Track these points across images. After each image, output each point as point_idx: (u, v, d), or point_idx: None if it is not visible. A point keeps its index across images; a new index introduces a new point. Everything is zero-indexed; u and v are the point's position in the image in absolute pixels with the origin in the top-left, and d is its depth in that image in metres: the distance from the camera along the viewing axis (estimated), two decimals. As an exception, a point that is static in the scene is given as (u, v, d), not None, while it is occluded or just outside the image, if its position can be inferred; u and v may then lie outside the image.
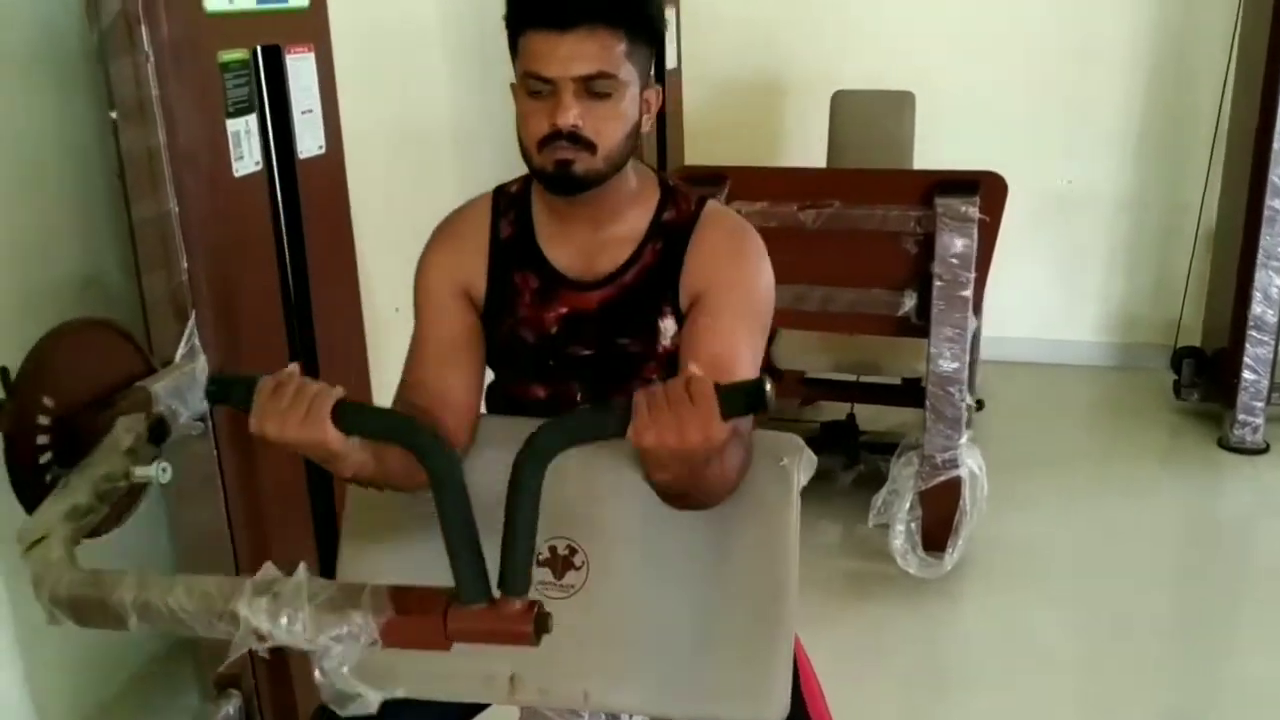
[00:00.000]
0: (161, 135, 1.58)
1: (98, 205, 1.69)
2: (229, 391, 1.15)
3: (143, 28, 1.54)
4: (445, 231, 1.46)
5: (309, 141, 1.93)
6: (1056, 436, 3.73)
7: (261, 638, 1.12)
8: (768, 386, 1.05)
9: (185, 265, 1.64)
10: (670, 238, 1.40)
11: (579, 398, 1.44)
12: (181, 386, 1.63)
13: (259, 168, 1.79)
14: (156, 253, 1.64)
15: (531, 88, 1.29)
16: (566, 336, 1.41)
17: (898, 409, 3.36)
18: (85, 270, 1.72)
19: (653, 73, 1.40)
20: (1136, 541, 3.05)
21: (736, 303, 1.36)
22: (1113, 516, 3.16)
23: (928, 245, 2.52)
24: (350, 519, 1.44)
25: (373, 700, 1.20)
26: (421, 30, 2.87)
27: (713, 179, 2.68)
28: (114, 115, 1.57)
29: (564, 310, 1.40)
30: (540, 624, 1.09)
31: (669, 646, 1.32)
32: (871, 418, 3.40)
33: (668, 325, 1.38)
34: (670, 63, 3.37)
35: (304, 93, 1.90)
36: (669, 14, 3.33)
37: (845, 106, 3.36)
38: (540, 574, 1.35)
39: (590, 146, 1.29)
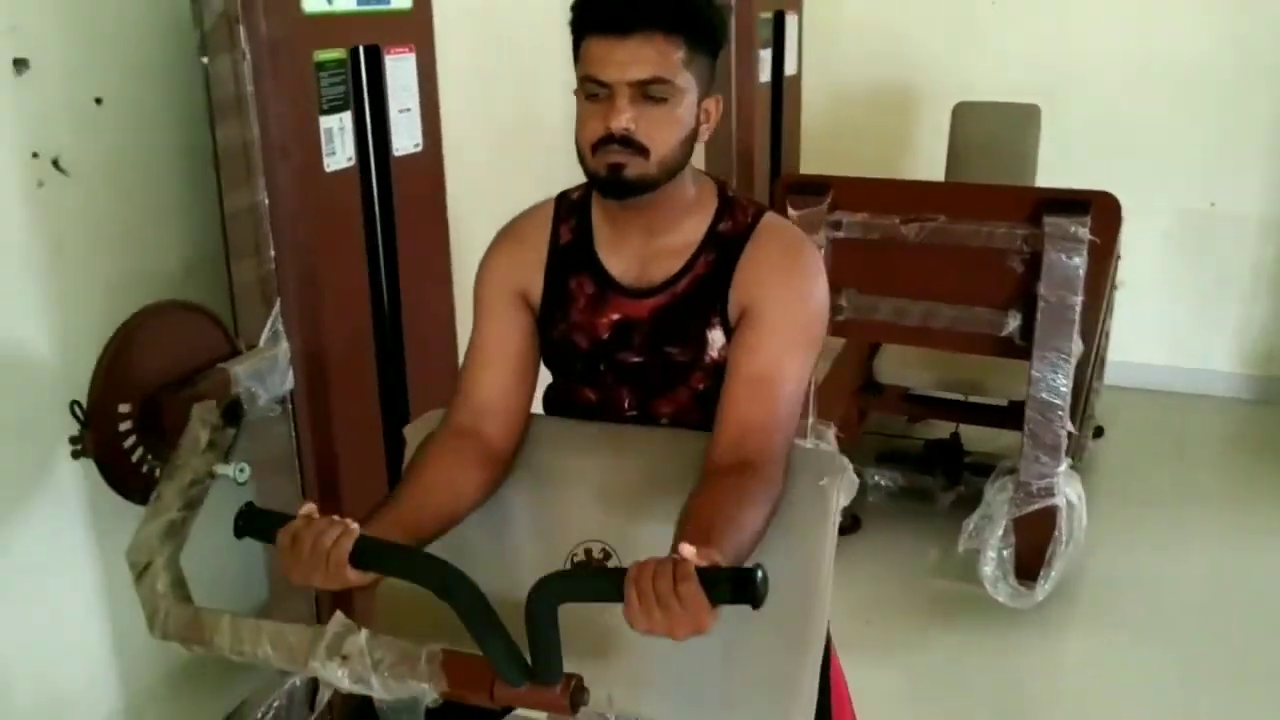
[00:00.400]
0: (255, 130, 1.66)
1: (197, 194, 1.78)
2: (254, 525, 1.20)
3: (241, 27, 1.62)
4: (507, 235, 1.49)
5: (405, 139, 2.00)
6: (1181, 471, 3.54)
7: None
8: (759, 576, 1.03)
9: (273, 254, 1.72)
10: (724, 249, 1.39)
11: (626, 404, 1.45)
12: (262, 370, 1.71)
13: (352, 163, 1.86)
14: (246, 241, 1.72)
15: (589, 91, 1.31)
16: (617, 343, 1.42)
17: (1006, 432, 3.25)
18: (184, 256, 1.81)
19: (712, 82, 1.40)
20: (1264, 590, 2.87)
21: (784, 319, 1.35)
22: (1237, 560, 2.98)
23: (1034, 265, 2.44)
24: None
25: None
26: (538, 30, 2.93)
27: (816, 188, 2.65)
28: (209, 106, 1.66)
29: (616, 316, 1.41)
30: (575, 699, 1.12)
31: (694, 658, 1.31)
32: (979, 439, 3.30)
33: (715, 336, 1.38)
34: (790, 69, 3.35)
35: (402, 91, 1.97)
36: (791, 20, 3.31)
37: (967, 118, 3.27)
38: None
39: (643, 151, 1.30)
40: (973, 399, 3.19)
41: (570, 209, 1.47)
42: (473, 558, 1.39)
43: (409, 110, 1.99)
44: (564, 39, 1.37)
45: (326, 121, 1.78)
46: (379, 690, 1.16)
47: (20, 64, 1.58)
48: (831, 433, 2.78)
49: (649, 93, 1.29)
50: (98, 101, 1.70)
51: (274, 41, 1.66)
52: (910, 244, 2.53)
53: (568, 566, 1.38)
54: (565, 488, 1.41)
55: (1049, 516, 2.52)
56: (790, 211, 2.62)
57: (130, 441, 1.56)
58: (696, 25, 1.31)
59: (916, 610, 2.76)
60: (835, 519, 1.33)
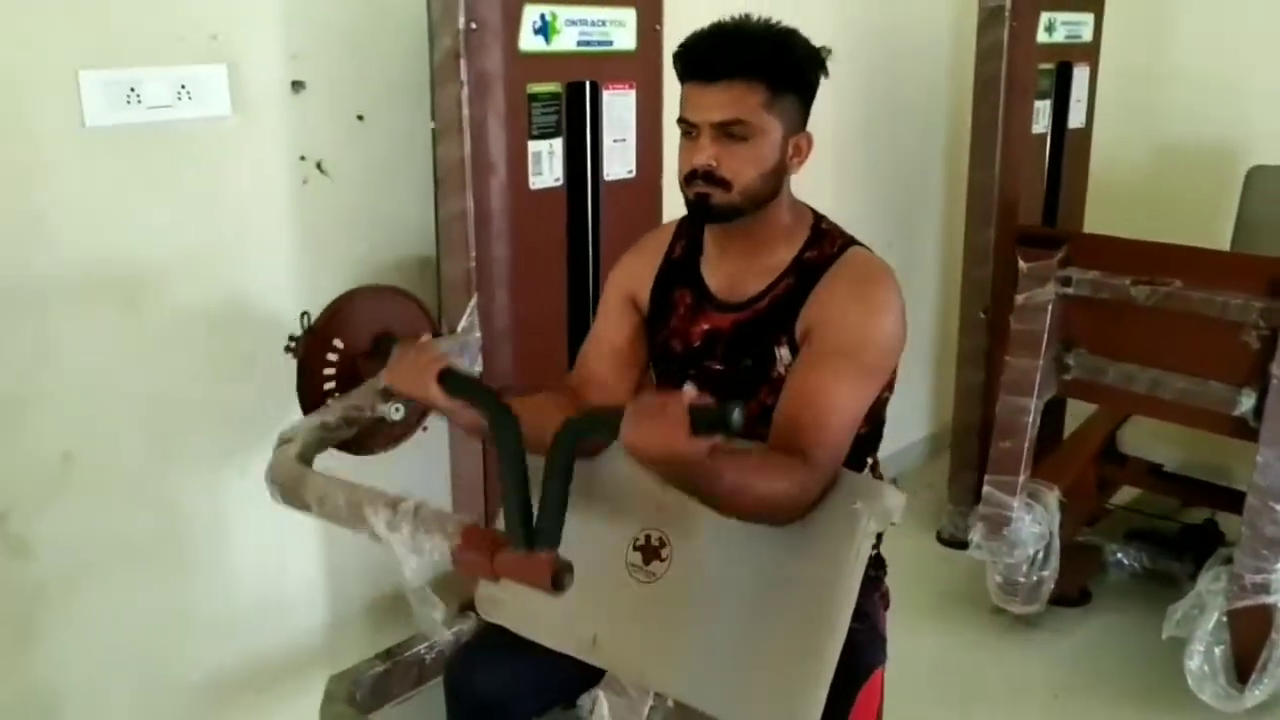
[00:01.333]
0: (468, 149, 1.96)
1: (423, 201, 2.11)
2: (381, 349, 1.48)
3: (462, 62, 1.92)
4: (635, 246, 1.68)
5: (617, 166, 2.23)
6: None
7: (377, 537, 1.43)
8: (735, 413, 1.15)
9: (474, 254, 2.01)
10: (805, 274, 1.50)
11: None
12: (452, 352, 2.00)
13: (559, 183, 2.12)
14: (455, 242, 2.02)
15: (683, 130, 1.48)
16: (705, 350, 1.56)
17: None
18: (409, 250, 2.16)
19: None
20: None
21: (841, 344, 1.43)
22: None
23: (1272, 341, 2.25)
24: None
25: (438, 617, 1.46)
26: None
27: (1052, 241, 2.59)
28: (433, 127, 1.98)
29: (707, 326, 1.56)
30: (557, 577, 1.26)
31: (720, 649, 1.44)
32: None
33: (783, 353, 1.49)
34: (1075, 122, 3.24)
35: (617, 123, 2.21)
36: (1080, 72, 3.22)
37: (1262, 183, 3.01)
38: (633, 557, 1.53)
39: (725, 184, 1.45)
40: (1229, 484, 2.93)
41: (688, 229, 1.63)
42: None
43: (624, 140, 2.23)
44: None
45: (535, 145, 2.05)
46: (407, 540, 1.35)
47: (298, 85, 1.99)
48: (1054, 495, 2.69)
49: (730, 132, 1.43)
50: (359, 118, 2.08)
51: (490, 75, 1.95)
52: (1142, 307, 2.42)
53: (632, 549, 1.54)
54: (639, 479, 1.57)
55: (1264, 615, 2.30)
56: (1020, 263, 2.59)
57: (329, 370, 1.90)
58: (778, 72, 1.44)
59: (1111, 694, 2.60)
60: (864, 542, 1.39)
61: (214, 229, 1.93)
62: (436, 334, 2.03)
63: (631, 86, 2.22)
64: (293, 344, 1.87)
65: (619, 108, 2.21)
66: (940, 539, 3.31)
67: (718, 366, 1.55)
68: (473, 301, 2.03)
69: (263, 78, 1.94)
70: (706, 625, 1.45)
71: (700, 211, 1.48)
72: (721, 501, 1.32)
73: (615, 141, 2.22)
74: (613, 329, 1.64)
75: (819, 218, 1.57)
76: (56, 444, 1.80)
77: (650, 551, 1.52)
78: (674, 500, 1.51)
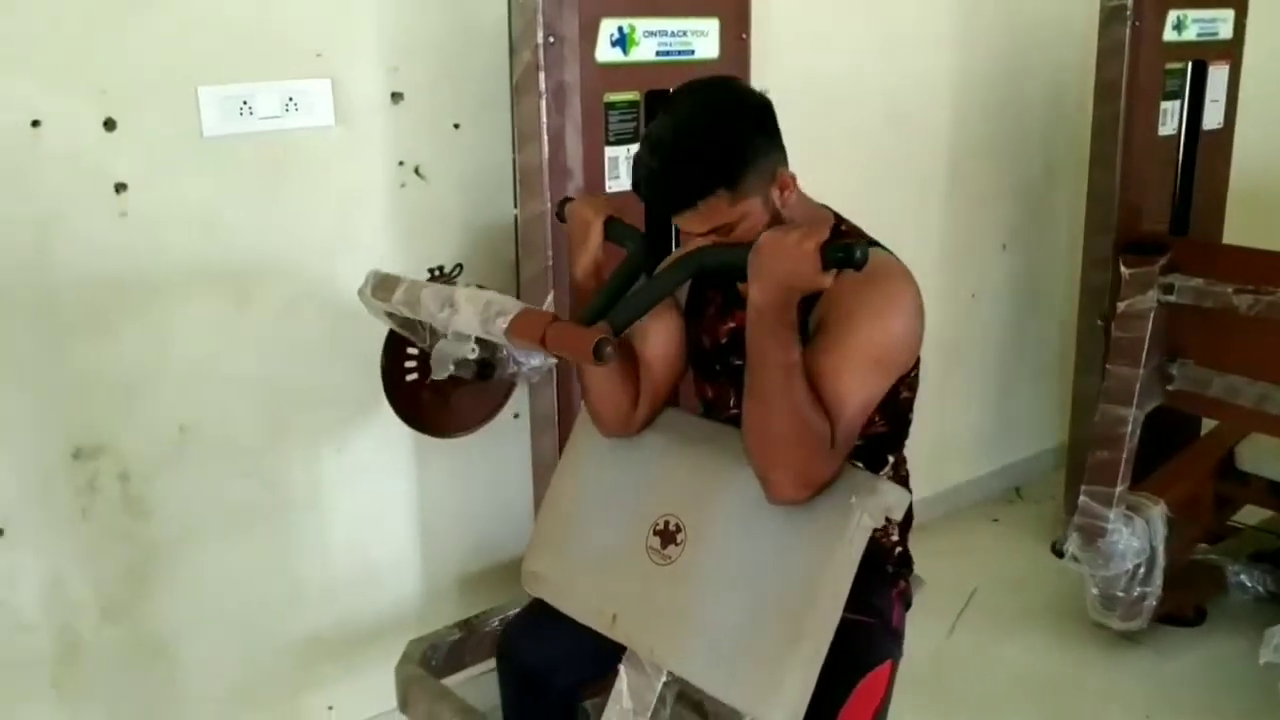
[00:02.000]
0: (545, 155, 2.09)
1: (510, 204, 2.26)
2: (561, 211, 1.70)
3: (541, 74, 2.05)
4: (680, 248, 1.77)
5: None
6: None
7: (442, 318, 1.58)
8: (859, 252, 1.32)
9: (550, 254, 2.14)
10: None
11: (731, 402, 1.66)
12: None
13: (636, 187, 2.23)
14: (534, 243, 2.16)
15: None
16: (730, 347, 1.64)
17: None
18: (500, 252, 2.31)
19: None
20: None
21: (849, 332, 1.46)
22: None
23: (1382, 357, 2.13)
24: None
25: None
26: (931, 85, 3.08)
27: (1156, 247, 2.51)
28: (512, 138, 2.13)
29: (733, 325, 1.63)
30: (599, 347, 1.35)
31: (719, 630, 1.50)
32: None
33: None
34: (1212, 123, 3.10)
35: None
36: (1217, 71, 3.08)
37: None
38: (653, 541, 1.62)
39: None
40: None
41: None
42: (583, 501, 1.72)
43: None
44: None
45: (612, 151, 2.16)
46: (468, 318, 1.51)
47: (397, 96, 2.17)
48: (1157, 509, 2.61)
49: (717, 232, 1.49)
50: (455, 126, 2.25)
51: (568, 85, 2.07)
52: (1248, 317, 2.32)
53: (652, 534, 1.63)
54: (665, 466, 1.66)
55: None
56: (1122, 270, 2.52)
57: (412, 350, 2.09)
58: (724, 175, 1.45)
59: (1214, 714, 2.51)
60: (857, 535, 1.43)
61: (318, 228, 2.13)
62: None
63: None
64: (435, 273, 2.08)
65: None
66: (1053, 550, 3.23)
67: (739, 362, 1.62)
68: (549, 299, 2.16)
69: (363, 90, 2.12)
70: (709, 607, 1.52)
71: (731, 280, 1.58)
72: (769, 383, 1.39)
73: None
74: (657, 330, 1.71)
75: (839, 220, 1.62)
76: (173, 418, 2.04)
77: (668, 535, 1.60)
78: (693, 486, 1.61)
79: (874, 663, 1.57)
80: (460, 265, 2.05)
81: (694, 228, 1.49)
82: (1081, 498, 2.59)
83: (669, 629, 1.56)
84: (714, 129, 1.45)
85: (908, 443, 1.73)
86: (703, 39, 2.25)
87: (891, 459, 1.65)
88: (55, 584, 1.97)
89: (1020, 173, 3.40)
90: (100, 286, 1.92)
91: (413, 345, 2.06)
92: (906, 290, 1.52)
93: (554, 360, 2.19)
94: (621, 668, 1.62)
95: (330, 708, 2.35)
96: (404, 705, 2.08)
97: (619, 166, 2.19)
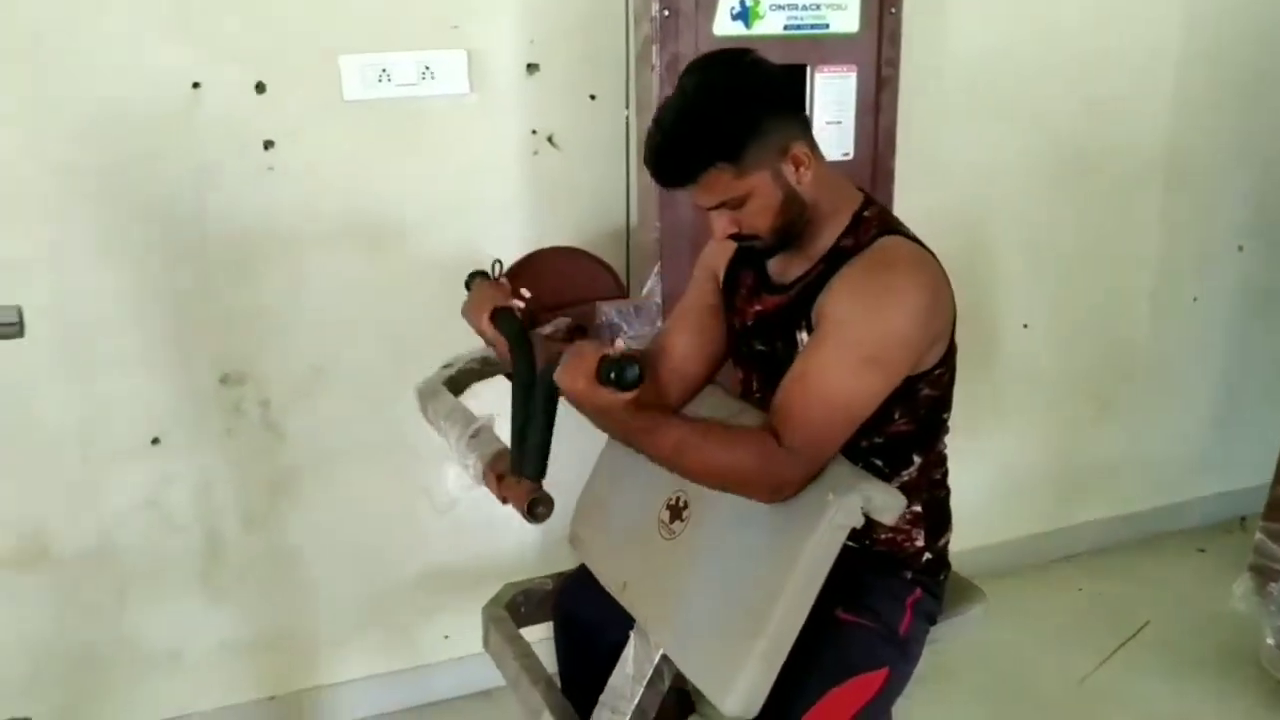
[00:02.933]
0: (658, 127, 2.11)
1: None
2: (470, 280, 1.72)
3: (655, 46, 2.07)
4: None
5: (831, 148, 2.24)
6: None
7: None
8: (630, 371, 1.29)
9: (658, 224, 2.16)
10: (835, 261, 1.50)
11: (755, 386, 1.63)
12: (630, 312, 2.18)
13: (757, 166, 2.20)
14: (647, 213, 2.19)
15: None
16: (754, 331, 1.61)
17: None
18: (621, 220, 2.36)
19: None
20: None
21: (843, 332, 1.42)
22: None
23: None
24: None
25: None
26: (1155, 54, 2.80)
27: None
28: (627, 112, 2.15)
29: (758, 308, 1.60)
30: (532, 506, 1.45)
31: (700, 612, 1.51)
32: None
33: (803, 338, 1.50)
34: None
35: (832, 106, 2.23)
36: None
37: None
38: (664, 515, 1.63)
39: (754, 236, 1.50)
40: None
41: None
42: (617, 467, 1.76)
43: (839, 123, 2.24)
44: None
45: (729, 126, 2.14)
46: (459, 453, 1.63)
47: (532, 67, 2.26)
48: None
49: (727, 205, 1.47)
50: (592, 97, 2.32)
51: (682, 59, 2.07)
52: None
53: (665, 508, 1.64)
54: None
55: None
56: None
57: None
58: (718, 153, 1.42)
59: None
60: (830, 534, 1.38)
61: (450, 190, 2.27)
62: (624, 295, 2.22)
63: (852, 69, 2.22)
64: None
65: (835, 90, 2.23)
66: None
67: (761, 347, 1.59)
68: (656, 268, 2.19)
69: (499, 61, 2.23)
70: (695, 587, 1.52)
71: (757, 256, 1.57)
72: (665, 459, 1.40)
73: (829, 124, 2.24)
74: (694, 299, 1.73)
75: (865, 205, 1.54)
76: (308, 355, 2.26)
77: (676, 511, 1.61)
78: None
79: (863, 667, 1.51)
80: (499, 261, 2.12)
81: (701, 201, 1.48)
82: (1258, 535, 2.30)
83: (661, 602, 1.58)
84: (716, 103, 1.43)
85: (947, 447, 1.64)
86: (839, 13, 2.17)
87: (919, 459, 1.56)
88: (203, 491, 2.26)
89: (1264, 165, 3.02)
90: (248, 233, 2.15)
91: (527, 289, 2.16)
92: (911, 284, 1.43)
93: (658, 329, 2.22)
94: (631, 634, 1.66)
95: (446, 637, 2.52)
96: (485, 643, 2.20)
97: (737, 142, 2.17)
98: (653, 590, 1.60)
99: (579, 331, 2.12)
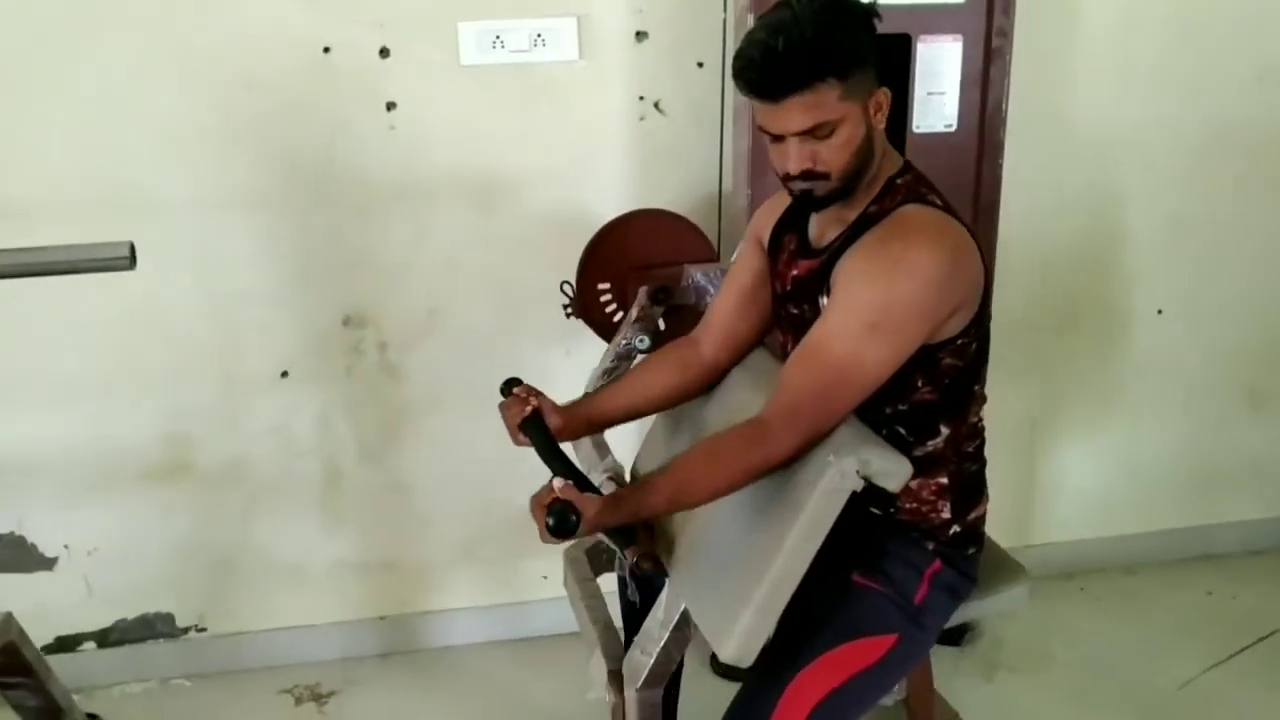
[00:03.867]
0: (747, 94, 2.15)
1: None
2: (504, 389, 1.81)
3: (751, 16, 2.10)
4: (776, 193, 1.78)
5: (933, 119, 2.23)
6: None
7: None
8: (569, 521, 1.40)
9: (749, 191, 2.20)
10: (860, 227, 1.51)
11: (789, 349, 1.66)
12: (717, 274, 2.23)
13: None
14: (739, 178, 2.24)
15: (768, 134, 1.51)
16: (791, 295, 1.64)
17: None
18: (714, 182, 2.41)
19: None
20: None
21: (850, 299, 1.44)
22: None
23: None
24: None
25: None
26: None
27: None
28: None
29: (796, 272, 1.63)
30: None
31: (712, 563, 1.57)
32: None
33: (824, 302, 1.52)
34: None
35: (934, 76, 2.20)
36: None
37: None
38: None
39: (824, 176, 1.48)
40: None
41: None
42: (669, 421, 1.83)
43: (942, 93, 2.21)
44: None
45: (823, 92, 2.16)
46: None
47: (641, 35, 2.34)
48: None
49: (815, 134, 1.45)
50: (699, 65, 2.37)
51: (777, 26, 2.10)
52: None
53: None
54: (721, 401, 1.74)
55: None
56: None
57: (610, 306, 2.27)
58: (839, 63, 1.41)
59: None
60: (828, 497, 1.39)
61: (559, 152, 2.38)
62: (712, 256, 2.28)
63: (958, 39, 2.19)
64: (568, 309, 2.27)
65: (938, 60, 2.20)
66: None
67: (795, 311, 1.62)
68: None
69: (609, 28, 2.32)
70: (710, 538, 1.58)
71: (809, 206, 1.55)
72: (674, 510, 1.50)
73: (930, 94, 2.21)
74: (741, 268, 1.76)
75: (901, 172, 1.53)
76: (425, 301, 2.43)
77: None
78: (731, 421, 1.65)
79: (869, 630, 1.53)
80: (568, 282, 2.24)
81: (795, 121, 1.43)
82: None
83: (684, 553, 1.65)
84: (836, 20, 1.42)
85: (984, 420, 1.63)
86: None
87: (946, 429, 1.55)
88: (324, 422, 2.47)
89: None
90: (372, 186, 2.33)
91: (604, 291, 2.27)
92: (926, 253, 1.43)
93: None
94: (667, 581, 1.73)
95: (545, 577, 2.67)
96: (565, 582, 2.33)
97: (831, 110, 2.18)
98: (680, 540, 1.67)
99: (662, 293, 2.20)
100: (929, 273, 1.43)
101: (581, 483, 1.55)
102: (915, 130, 2.23)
